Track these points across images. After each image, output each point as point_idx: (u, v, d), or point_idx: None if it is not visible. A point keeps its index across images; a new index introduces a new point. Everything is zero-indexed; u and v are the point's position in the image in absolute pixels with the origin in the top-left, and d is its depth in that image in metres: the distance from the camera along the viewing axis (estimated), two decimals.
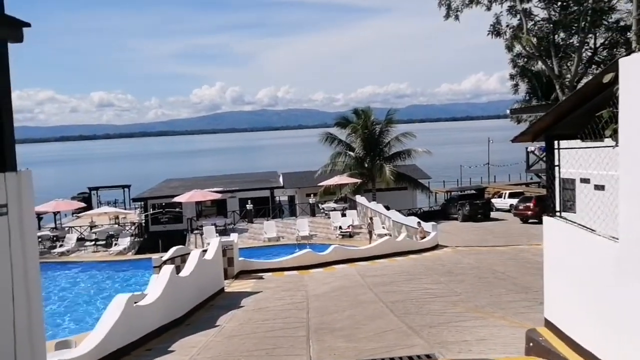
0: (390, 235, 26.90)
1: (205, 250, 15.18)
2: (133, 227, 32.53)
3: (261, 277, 18.14)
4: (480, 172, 69.43)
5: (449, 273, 17.03)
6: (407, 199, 43.89)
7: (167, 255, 17.10)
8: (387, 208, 31.35)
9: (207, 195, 33.33)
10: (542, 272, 15.52)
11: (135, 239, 30.93)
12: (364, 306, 12.26)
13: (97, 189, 56.42)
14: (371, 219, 29.39)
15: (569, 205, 24.50)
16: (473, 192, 40.75)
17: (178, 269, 12.84)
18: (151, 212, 38.65)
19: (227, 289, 16.08)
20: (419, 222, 25.62)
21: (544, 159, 26.87)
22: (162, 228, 37.73)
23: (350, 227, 29.94)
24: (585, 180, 23.46)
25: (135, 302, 9.21)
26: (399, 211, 31.27)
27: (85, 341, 7.61)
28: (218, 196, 35.24)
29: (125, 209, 46.62)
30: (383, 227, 29.42)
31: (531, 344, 6.73)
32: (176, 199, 33.23)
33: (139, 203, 44.59)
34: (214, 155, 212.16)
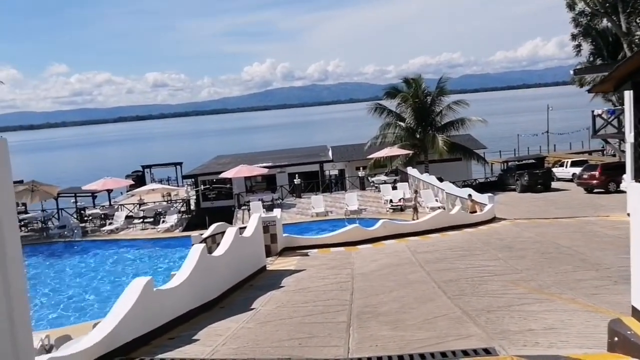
0: (444, 208, 25.55)
1: (244, 227, 14.36)
2: (181, 204, 32.29)
3: (306, 254, 17.27)
4: (539, 141, 66.40)
5: (507, 248, 15.64)
6: (462, 170, 42.15)
7: (207, 233, 16.47)
8: (440, 180, 29.88)
9: (254, 170, 32.71)
10: (614, 246, 13.90)
11: (183, 216, 30.69)
12: (413, 286, 11.17)
13: (150, 167, 57.38)
14: (416, 192, 27.88)
15: None
16: (532, 161, 38.56)
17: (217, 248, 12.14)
18: (202, 188, 38.51)
19: (269, 267, 15.28)
20: (469, 195, 24.05)
21: (613, 122, 24.72)
22: (211, 204, 37.59)
23: (402, 200, 28.66)
24: None
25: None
26: (452, 183, 29.74)
27: (93, 331, 6.88)
28: (265, 171, 34.61)
29: (177, 186, 47.03)
30: (436, 200, 28.04)
31: (616, 339, 5.49)
32: (223, 175, 32.80)
33: (190, 180, 44.91)
34: (265, 131, 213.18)
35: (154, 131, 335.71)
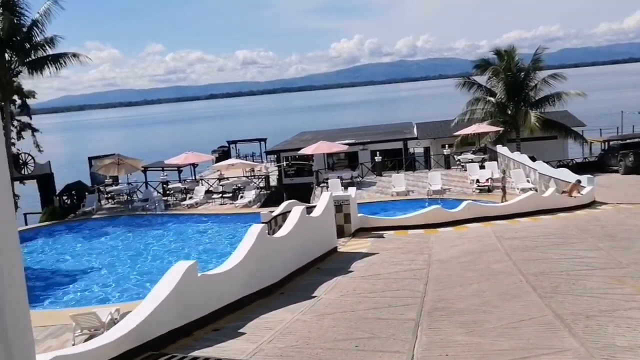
0: (536, 190, 23.51)
1: (311, 207, 13.49)
2: (259, 180, 32.03)
3: (381, 236, 16.21)
4: None
5: (609, 237, 13.78)
6: (557, 149, 39.08)
7: (277, 211, 15.78)
8: (533, 159, 27.60)
9: (334, 147, 31.80)
10: None
11: (261, 192, 30.40)
12: (497, 279, 9.84)
13: (235, 142, 58.26)
14: (504, 171, 25.78)
15: None
16: (638, 140, 35.02)
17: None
18: (284, 164, 38.23)
19: (340, 249, 14.37)
20: (578, 181, 21.61)
21: None
22: (290, 181, 37.20)
23: (489, 180, 26.72)
24: None
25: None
26: (546, 163, 27.38)
27: (122, 322, 6.22)
28: (344, 148, 33.61)
29: (262, 162, 47.25)
30: (527, 181, 25.91)
31: None
32: (302, 151, 32.17)
33: (273, 156, 44.89)
34: (350, 108, 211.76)
35: (242, 108, 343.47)
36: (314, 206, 13.66)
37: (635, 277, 9.58)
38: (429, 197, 25.47)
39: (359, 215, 17.33)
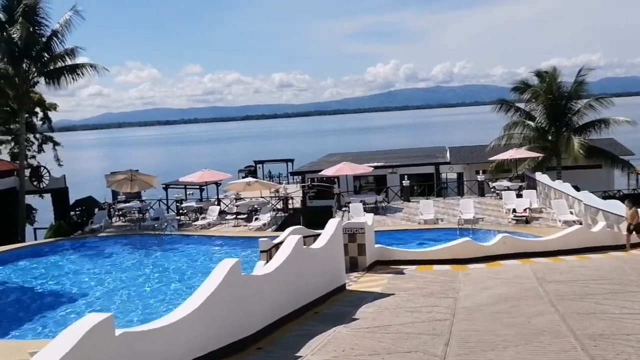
0: (580, 223, 20.94)
1: (310, 237, 11.42)
2: (277, 201, 30.06)
3: (401, 272, 13.99)
4: None
5: None
6: (601, 178, 36.27)
7: (280, 237, 13.72)
8: (577, 189, 24.98)
9: (357, 168, 29.70)
10: None
11: (278, 214, 28.40)
12: (541, 341, 7.56)
13: (262, 162, 57.13)
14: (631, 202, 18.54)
15: None
16: None
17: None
18: (307, 185, 36.40)
19: (350, 287, 12.22)
20: (628, 199, 18.76)
21: None
22: (313, 204, 35.22)
23: (528, 210, 24.20)
24: None
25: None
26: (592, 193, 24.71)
27: None
28: (369, 170, 31.50)
29: (287, 182, 45.64)
30: (571, 212, 23.32)
31: None
32: (323, 172, 30.22)
33: (298, 177, 43.25)
34: (383, 132, 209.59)
35: (276, 129, 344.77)
36: (312, 236, 11.59)
37: None
38: (460, 226, 23.11)
39: (377, 246, 15.17)
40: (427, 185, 36.52)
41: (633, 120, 34.18)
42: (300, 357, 7.07)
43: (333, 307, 10.12)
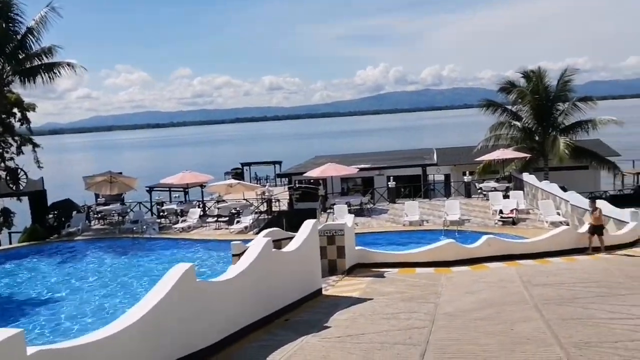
0: (567, 224, 20.50)
1: (286, 239, 10.81)
2: (260, 203, 29.37)
3: (382, 275, 13.43)
4: None
5: None
6: (588, 179, 35.99)
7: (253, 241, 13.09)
8: (564, 189, 24.58)
9: (342, 170, 29.12)
10: None
11: (261, 217, 27.74)
12: (525, 349, 7.01)
13: (249, 164, 56.46)
14: (594, 200, 18.10)
15: None
16: None
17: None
18: (293, 186, 35.79)
19: (327, 291, 11.62)
20: (593, 200, 17.70)
21: None
22: (300, 206, 34.63)
23: (514, 211, 23.74)
24: None
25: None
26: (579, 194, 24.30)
27: None
28: (354, 171, 30.93)
29: (275, 185, 45.02)
30: (558, 213, 22.90)
31: None
32: (308, 174, 29.66)
33: (285, 179, 42.68)
34: (373, 135, 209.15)
35: (266, 132, 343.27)
36: (280, 240, 11.00)
37: None
38: (445, 228, 22.61)
39: (358, 248, 14.60)
40: (413, 186, 36.07)
41: (620, 120, 33.96)
42: None
43: (305, 314, 9.50)
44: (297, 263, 10.04)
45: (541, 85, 33.98)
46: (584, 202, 21.54)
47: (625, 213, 18.44)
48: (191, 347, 6.77)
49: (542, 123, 34.00)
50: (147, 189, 38.35)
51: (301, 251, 10.18)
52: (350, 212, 25.25)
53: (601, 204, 20.36)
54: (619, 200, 28.34)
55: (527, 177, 28.70)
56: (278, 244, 13.35)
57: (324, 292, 11.35)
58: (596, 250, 15.87)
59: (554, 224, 20.99)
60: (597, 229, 16.10)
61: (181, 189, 36.88)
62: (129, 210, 30.47)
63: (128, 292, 16.69)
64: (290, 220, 26.78)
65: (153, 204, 32.50)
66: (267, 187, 31.67)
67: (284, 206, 31.36)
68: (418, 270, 14.02)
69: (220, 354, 7.22)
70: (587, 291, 10.77)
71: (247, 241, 13.25)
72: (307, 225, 10.93)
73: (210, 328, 7.18)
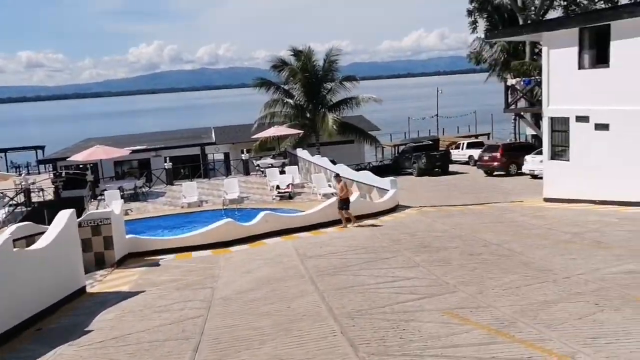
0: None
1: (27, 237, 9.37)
2: (16, 194, 25.79)
3: (157, 263, 12.54)
4: (428, 125, 65.15)
5: (424, 248, 11.89)
6: (354, 153, 38.93)
7: None
8: (334, 163, 26.03)
9: (113, 152, 26.87)
10: (550, 241, 10.31)
11: (16, 209, 24.37)
12: (300, 326, 6.91)
13: (5, 150, 49.78)
14: (338, 176, 18.35)
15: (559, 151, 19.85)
16: (429, 142, 35.93)
17: None
18: (55, 173, 32.20)
19: (93, 288, 10.39)
20: (337, 175, 18.36)
21: (527, 94, 22.09)
22: (64, 194, 31.31)
23: (290, 186, 24.43)
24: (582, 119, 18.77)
25: None
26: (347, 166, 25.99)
27: None
28: (126, 153, 28.89)
29: (38, 172, 40.25)
30: (329, 185, 24.13)
31: None
32: (73, 158, 26.84)
33: (49, 165, 38.42)
34: (150, 115, 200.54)
35: (26, 114, 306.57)
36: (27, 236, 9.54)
37: (471, 306, 7.37)
38: (225, 207, 22.28)
39: (129, 236, 13.43)
40: (193, 166, 35.16)
41: (379, 97, 37.27)
42: None
43: (63, 318, 8.27)
44: (50, 261, 8.67)
45: (310, 64, 35.50)
46: (352, 174, 23.07)
47: (385, 181, 20.09)
48: None
49: (312, 100, 35.63)
50: None
51: (55, 246, 8.83)
52: (123, 197, 23.49)
53: (365, 174, 21.95)
54: (381, 171, 31.11)
55: (301, 152, 29.80)
56: (31, 240, 11.63)
57: (88, 290, 10.12)
58: (349, 221, 16.14)
59: (326, 196, 22.00)
60: (343, 203, 15.97)
61: None
62: None
63: None
64: (55, 212, 24.03)
65: None
66: (23, 175, 27.90)
67: (49, 196, 28.01)
68: (195, 254, 13.41)
69: None
70: (357, 258, 11.30)
71: None
72: (62, 216, 9.56)
73: None
